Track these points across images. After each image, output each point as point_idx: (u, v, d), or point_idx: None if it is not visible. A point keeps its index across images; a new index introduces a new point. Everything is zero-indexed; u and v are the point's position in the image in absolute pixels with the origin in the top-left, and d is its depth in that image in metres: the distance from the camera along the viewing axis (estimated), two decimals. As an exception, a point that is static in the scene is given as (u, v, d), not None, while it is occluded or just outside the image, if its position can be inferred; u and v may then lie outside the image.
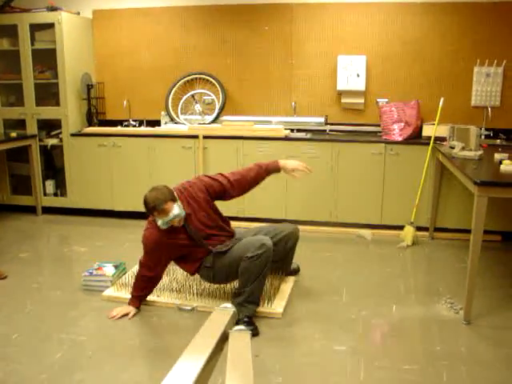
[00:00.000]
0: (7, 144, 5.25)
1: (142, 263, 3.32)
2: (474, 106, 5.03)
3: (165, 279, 3.73)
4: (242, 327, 1.22)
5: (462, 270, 3.96)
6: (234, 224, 4.95)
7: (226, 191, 3.38)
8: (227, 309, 1.29)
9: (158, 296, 3.48)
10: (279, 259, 3.51)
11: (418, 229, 4.74)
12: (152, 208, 3.12)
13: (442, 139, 4.64)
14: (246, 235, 3.46)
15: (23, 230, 5.19)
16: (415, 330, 3.15)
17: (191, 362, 1.01)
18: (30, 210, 5.71)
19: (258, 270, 3.08)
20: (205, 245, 3.27)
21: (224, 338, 1.16)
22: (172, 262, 3.50)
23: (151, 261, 3.27)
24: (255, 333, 3.01)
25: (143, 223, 3.39)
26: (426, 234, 4.83)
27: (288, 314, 3.30)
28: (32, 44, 5.38)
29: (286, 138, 5.01)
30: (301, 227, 4.95)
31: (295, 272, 3.90)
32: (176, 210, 3.12)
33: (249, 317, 3.10)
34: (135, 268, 3.66)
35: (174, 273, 3.81)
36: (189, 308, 3.34)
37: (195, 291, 3.53)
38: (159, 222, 3.14)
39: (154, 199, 3.10)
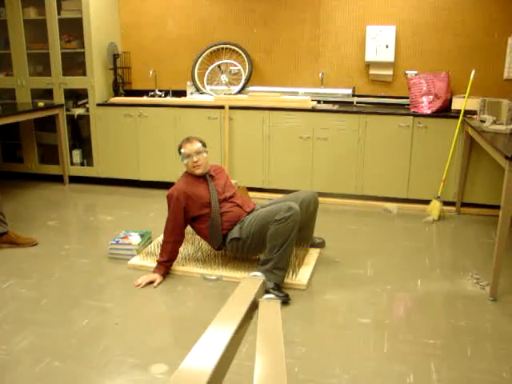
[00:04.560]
0: (35, 113, 5.29)
1: (165, 227, 3.42)
2: (506, 78, 4.89)
3: (190, 249, 3.76)
4: (271, 296, 1.22)
5: (488, 246, 3.91)
6: (258, 195, 5.00)
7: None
8: (257, 277, 1.29)
9: (183, 265, 3.52)
10: (302, 226, 3.51)
11: (445, 203, 4.68)
12: (182, 141, 3.56)
13: (473, 113, 4.55)
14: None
15: (51, 199, 5.27)
16: (440, 304, 3.13)
17: (222, 328, 1.01)
18: (58, 179, 5.79)
19: (286, 234, 3.11)
20: (216, 206, 3.39)
21: (254, 307, 1.17)
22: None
23: (174, 217, 3.37)
24: (287, 300, 3.05)
25: (169, 193, 3.44)
26: (452, 208, 4.78)
27: (312, 286, 3.32)
28: (58, 13, 5.38)
29: (313, 110, 4.96)
30: (326, 200, 4.98)
31: (320, 246, 3.90)
32: (199, 145, 3.49)
33: (277, 284, 3.12)
34: (161, 237, 3.70)
35: (199, 243, 3.84)
36: (214, 277, 3.37)
37: (220, 261, 3.55)
38: (182, 152, 3.49)
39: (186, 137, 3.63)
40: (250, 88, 5.47)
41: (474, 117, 4.47)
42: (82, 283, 3.36)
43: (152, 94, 5.74)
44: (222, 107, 5.11)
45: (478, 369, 2.45)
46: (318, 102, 5.24)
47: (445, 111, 4.77)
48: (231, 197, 3.51)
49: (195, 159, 3.44)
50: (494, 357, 2.55)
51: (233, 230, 3.38)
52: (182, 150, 3.50)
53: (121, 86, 5.78)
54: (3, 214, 3.92)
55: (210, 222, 3.38)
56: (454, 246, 4.10)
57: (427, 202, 4.75)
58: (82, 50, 5.40)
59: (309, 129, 4.94)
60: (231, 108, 5.10)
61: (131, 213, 4.79)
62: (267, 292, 2.99)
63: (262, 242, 3.25)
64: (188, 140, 3.53)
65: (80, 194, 5.46)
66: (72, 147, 5.81)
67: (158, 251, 3.54)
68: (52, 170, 5.83)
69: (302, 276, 3.35)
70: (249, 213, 3.46)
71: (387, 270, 3.57)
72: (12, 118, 4.98)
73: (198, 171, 3.46)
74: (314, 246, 3.85)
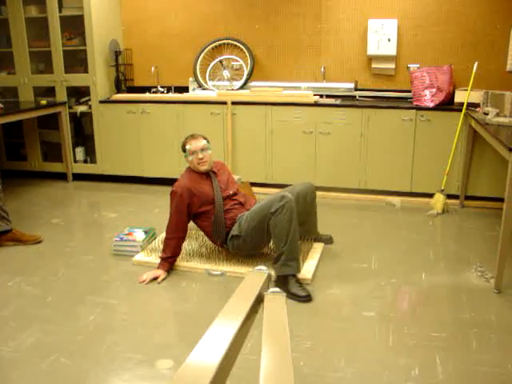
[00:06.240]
0: (38, 111, 5.30)
1: (168, 224, 3.42)
2: (509, 70, 4.86)
3: (194, 245, 3.77)
4: (276, 289, 1.23)
5: (492, 239, 3.90)
6: (262, 190, 5.00)
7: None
8: (262, 271, 1.30)
9: (187, 261, 3.52)
10: (304, 220, 3.51)
11: (449, 196, 4.68)
12: (186, 138, 3.56)
13: (476, 105, 4.54)
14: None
15: (54, 197, 5.28)
16: (445, 297, 3.13)
17: (227, 323, 1.02)
18: (61, 176, 5.80)
19: (286, 224, 3.09)
20: (220, 203, 3.39)
21: (259, 300, 1.17)
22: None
23: (178, 214, 3.37)
24: (310, 299, 3.04)
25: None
26: (456, 201, 4.77)
27: (317, 280, 3.32)
28: (60, 11, 5.37)
29: (315, 104, 4.95)
30: (329, 194, 4.98)
31: (328, 242, 3.84)
32: (204, 142, 3.50)
33: (299, 282, 3.12)
34: (164, 234, 3.70)
35: (203, 238, 3.84)
36: (218, 273, 3.37)
37: (224, 256, 3.56)
38: (187, 149, 3.48)
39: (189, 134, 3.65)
40: (252, 83, 5.46)
41: (477, 109, 4.46)
42: (87, 280, 3.37)
43: (154, 90, 5.75)
44: (224, 103, 5.11)
45: (484, 361, 2.45)
46: (321, 96, 5.23)
47: (448, 104, 4.76)
48: (234, 194, 3.51)
49: (201, 156, 3.44)
50: (499, 349, 2.55)
51: (233, 228, 3.38)
52: (187, 147, 3.49)
53: (123, 82, 5.78)
54: (7, 211, 3.93)
55: (214, 219, 3.38)
56: (458, 239, 4.10)
57: (431, 195, 4.75)
58: (84, 48, 5.40)
59: (311, 123, 4.94)
60: (234, 103, 5.09)
61: (135, 209, 4.80)
62: (289, 292, 3.02)
63: (261, 236, 3.26)
64: (193, 137, 3.53)
65: (84, 192, 5.47)
66: (75, 145, 5.82)
67: (161, 247, 3.55)
68: (55, 167, 5.84)
69: (306, 270, 3.35)
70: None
71: (391, 263, 3.57)
72: (15, 116, 4.99)
73: (203, 168, 3.46)
74: (321, 241, 3.83)
